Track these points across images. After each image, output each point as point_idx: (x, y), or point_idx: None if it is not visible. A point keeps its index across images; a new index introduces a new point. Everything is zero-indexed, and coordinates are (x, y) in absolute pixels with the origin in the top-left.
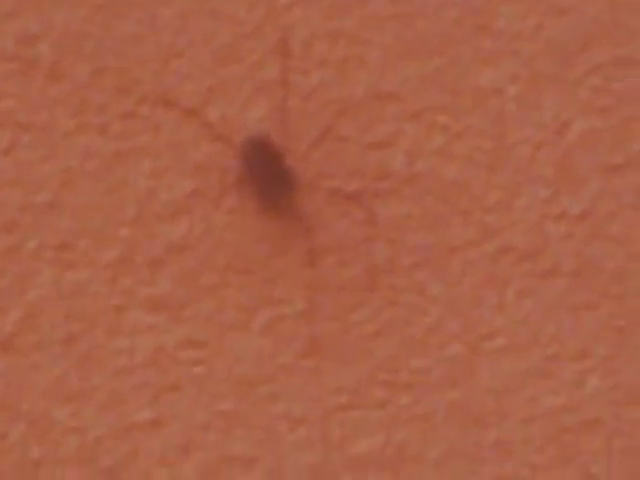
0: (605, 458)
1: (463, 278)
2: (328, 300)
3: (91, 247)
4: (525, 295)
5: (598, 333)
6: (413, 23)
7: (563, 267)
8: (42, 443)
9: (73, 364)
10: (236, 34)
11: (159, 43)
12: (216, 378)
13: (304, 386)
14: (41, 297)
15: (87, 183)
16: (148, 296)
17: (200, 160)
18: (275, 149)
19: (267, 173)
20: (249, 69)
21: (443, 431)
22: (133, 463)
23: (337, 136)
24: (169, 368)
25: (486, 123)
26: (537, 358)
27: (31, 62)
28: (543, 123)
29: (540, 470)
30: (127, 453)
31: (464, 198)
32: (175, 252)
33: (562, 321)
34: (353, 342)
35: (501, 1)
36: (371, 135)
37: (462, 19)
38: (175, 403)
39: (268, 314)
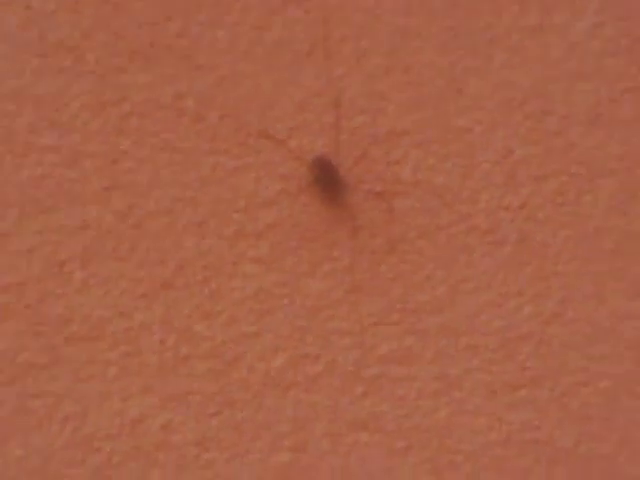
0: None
1: (447, 244)
2: (364, 259)
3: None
4: (485, 256)
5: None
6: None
7: (509, 239)
8: None
9: None
10: (309, 94)
11: (260, 88)
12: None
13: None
14: None
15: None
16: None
17: (285, 172)
18: (332, 165)
19: (327, 181)
20: (316, 116)
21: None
22: None
23: (369, 158)
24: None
25: (461, 150)
26: (494, 294)
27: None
28: (497, 149)
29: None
30: None
31: (448, 196)
32: (263, 235)
33: (508, 272)
34: (379, 285)
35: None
36: (390, 155)
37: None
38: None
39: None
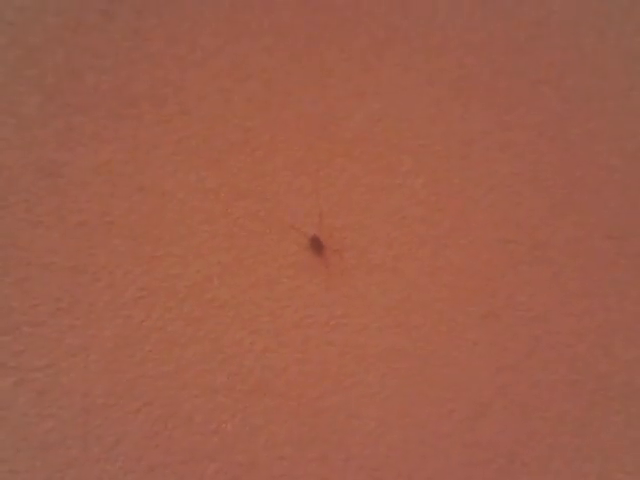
0: None
1: (370, 275)
2: (333, 279)
3: None
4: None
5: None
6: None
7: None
8: None
9: None
10: (301, 210)
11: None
12: None
13: None
14: None
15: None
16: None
17: (300, 242)
18: (319, 239)
19: (316, 246)
20: (307, 216)
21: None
22: None
23: (334, 238)
24: None
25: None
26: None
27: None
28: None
29: None
30: None
31: (369, 254)
32: (288, 268)
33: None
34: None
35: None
36: (343, 238)
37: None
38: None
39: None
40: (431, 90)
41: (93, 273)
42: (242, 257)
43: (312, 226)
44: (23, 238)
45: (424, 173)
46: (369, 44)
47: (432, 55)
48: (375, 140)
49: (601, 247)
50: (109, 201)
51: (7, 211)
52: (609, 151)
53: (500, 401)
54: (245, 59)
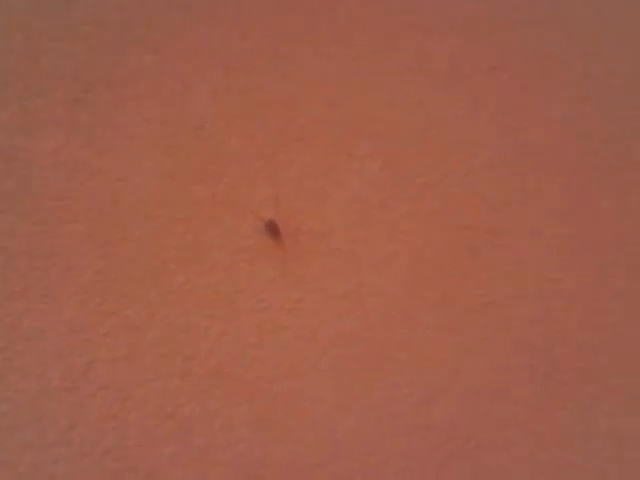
0: None
1: (325, 259)
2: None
3: None
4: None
5: None
6: None
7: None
8: None
9: None
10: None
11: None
12: None
13: None
14: None
15: None
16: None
17: (257, 226)
18: (274, 223)
19: (272, 229)
20: (264, 200)
21: None
22: None
23: (290, 223)
24: None
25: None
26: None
27: None
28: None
29: None
30: None
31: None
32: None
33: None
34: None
35: None
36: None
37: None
38: None
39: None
40: (388, 76)
41: (48, 257)
42: (198, 241)
43: (268, 210)
44: None
45: (380, 158)
46: (327, 30)
47: (390, 40)
48: (332, 125)
49: (556, 233)
50: (65, 185)
51: None
52: (563, 139)
53: (455, 385)
54: (203, 45)
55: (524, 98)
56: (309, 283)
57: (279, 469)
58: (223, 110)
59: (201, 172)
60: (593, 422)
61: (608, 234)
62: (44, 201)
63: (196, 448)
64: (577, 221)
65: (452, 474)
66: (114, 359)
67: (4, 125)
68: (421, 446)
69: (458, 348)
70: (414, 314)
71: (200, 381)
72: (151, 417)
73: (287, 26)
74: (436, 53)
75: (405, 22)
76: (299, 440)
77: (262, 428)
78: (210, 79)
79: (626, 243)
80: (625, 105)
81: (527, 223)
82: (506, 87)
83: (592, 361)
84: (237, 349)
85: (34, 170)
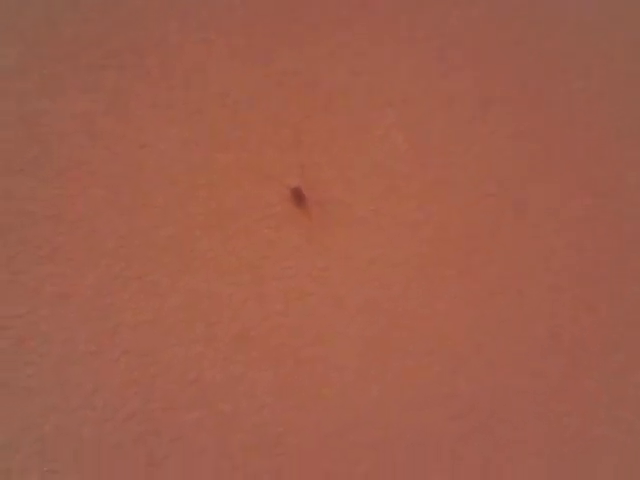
0: None
1: (352, 229)
2: (315, 230)
3: None
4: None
5: None
6: None
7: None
8: None
9: None
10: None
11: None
12: None
13: None
14: None
15: None
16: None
17: (283, 192)
18: (300, 190)
19: (298, 198)
20: (289, 168)
21: None
22: None
23: (317, 190)
24: None
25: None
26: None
27: None
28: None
29: None
30: None
31: (353, 208)
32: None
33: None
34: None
35: None
36: (324, 191)
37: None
38: None
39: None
40: (412, 47)
41: (73, 222)
42: (222, 208)
43: (294, 178)
44: (2, 187)
45: (406, 128)
46: (351, 3)
47: (414, 12)
48: (356, 94)
49: (582, 204)
50: (89, 151)
51: None
52: (591, 110)
53: (479, 355)
54: (226, 12)
55: (550, 70)
56: (334, 251)
57: (302, 436)
58: (247, 78)
59: (225, 139)
60: (621, 393)
61: (635, 207)
62: (68, 166)
63: (220, 413)
64: (605, 192)
65: (473, 446)
66: (137, 324)
67: (28, 91)
68: (443, 417)
69: (480, 319)
70: (437, 284)
71: (224, 347)
72: (174, 382)
73: None
74: (460, 26)
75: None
76: (322, 407)
77: (286, 395)
78: (234, 47)
79: None
80: None
81: (553, 193)
82: (532, 59)
83: (619, 331)
84: (261, 315)
85: (58, 135)
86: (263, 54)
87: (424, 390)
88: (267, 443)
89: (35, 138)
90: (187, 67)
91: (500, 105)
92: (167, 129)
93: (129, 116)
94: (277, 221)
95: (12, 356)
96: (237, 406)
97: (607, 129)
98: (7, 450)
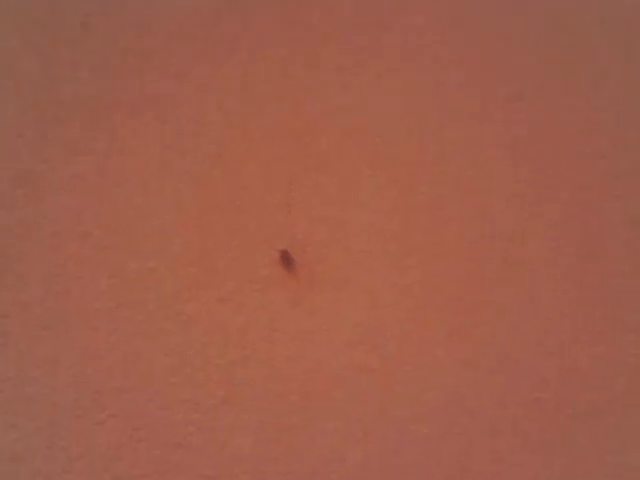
0: None
1: (338, 289)
2: (301, 290)
3: None
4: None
5: None
6: None
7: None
8: None
9: None
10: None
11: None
12: None
13: None
14: None
15: None
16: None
17: (272, 256)
18: (288, 253)
19: (286, 261)
20: (279, 229)
21: None
22: None
23: (305, 254)
24: None
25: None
26: None
27: None
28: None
29: None
30: None
31: (338, 269)
32: (263, 278)
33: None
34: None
35: None
36: (310, 255)
37: None
38: None
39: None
40: (405, 107)
41: (64, 283)
42: (212, 270)
43: (284, 239)
44: None
45: (396, 189)
46: (344, 60)
47: (407, 72)
48: (348, 155)
49: (571, 264)
50: (83, 212)
51: None
52: (579, 166)
53: (466, 421)
54: (220, 73)
55: (541, 125)
56: (321, 314)
57: None
58: (241, 139)
59: (217, 201)
60: (603, 459)
61: (624, 266)
62: (62, 227)
63: (204, 478)
64: (594, 254)
65: None
66: (125, 388)
67: (24, 151)
68: None
69: (469, 382)
70: (425, 347)
71: (209, 411)
72: (160, 446)
73: (307, 56)
74: (452, 84)
75: (422, 53)
76: (306, 472)
77: (270, 459)
78: (228, 108)
79: None
80: None
81: (542, 254)
82: (522, 115)
83: (604, 396)
84: (247, 379)
85: (53, 196)
86: (256, 114)
87: (410, 455)
88: None
89: (30, 198)
90: (180, 127)
91: (490, 163)
92: (160, 190)
93: (122, 177)
94: (265, 284)
95: None
96: (220, 471)
97: (595, 185)
98: None
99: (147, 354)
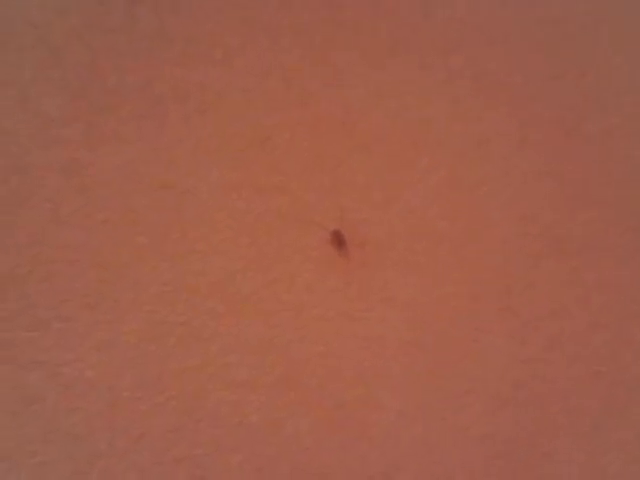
0: None
1: (391, 268)
2: (354, 274)
3: None
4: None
5: None
6: None
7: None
8: None
9: None
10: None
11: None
12: None
13: None
14: None
15: None
16: None
17: (323, 236)
18: (340, 233)
19: (337, 241)
20: (328, 211)
21: None
22: None
23: (357, 233)
24: None
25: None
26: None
27: None
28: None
29: None
30: None
31: (393, 250)
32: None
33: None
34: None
35: None
36: (363, 233)
37: None
38: None
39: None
40: (447, 88)
41: (117, 270)
42: (263, 253)
43: (333, 221)
44: (49, 236)
45: (442, 170)
46: (386, 43)
47: (448, 54)
48: (392, 137)
49: (620, 240)
50: (132, 199)
51: (33, 210)
52: (628, 145)
53: (518, 394)
54: (264, 58)
55: (586, 107)
56: (374, 293)
57: (345, 478)
58: (286, 123)
59: (265, 184)
60: None
61: None
62: (112, 215)
63: (263, 456)
64: None
65: None
66: (182, 370)
67: (72, 141)
68: (484, 456)
69: (521, 357)
70: (476, 324)
71: (267, 390)
72: (219, 426)
73: (348, 39)
74: (494, 65)
75: (463, 35)
76: (365, 449)
77: (328, 437)
78: (272, 93)
79: None
80: None
81: (591, 231)
82: (567, 96)
83: None
84: (303, 359)
85: (101, 185)
86: (300, 99)
87: (466, 429)
88: None
89: (79, 188)
90: (227, 114)
91: (536, 144)
92: (208, 175)
93: (171, 163)
94: (317, 264)
95: (60, 403)
96: (279, 450)
97: None
98: None
99: (203, 336)
